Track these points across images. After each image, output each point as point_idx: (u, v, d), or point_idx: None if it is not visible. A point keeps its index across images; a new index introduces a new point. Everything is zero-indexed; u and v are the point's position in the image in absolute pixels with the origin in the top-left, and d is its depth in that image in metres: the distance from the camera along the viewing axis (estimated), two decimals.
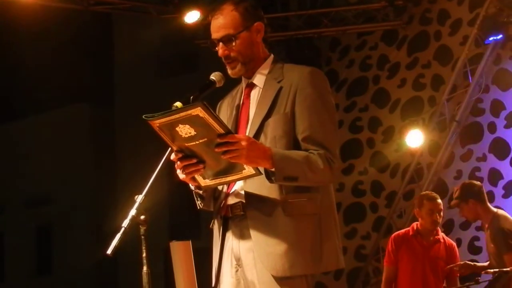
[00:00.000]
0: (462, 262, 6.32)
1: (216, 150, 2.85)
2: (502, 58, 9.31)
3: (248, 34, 3.15)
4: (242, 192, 3.06)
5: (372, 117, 10.42)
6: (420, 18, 10.18)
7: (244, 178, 2.98)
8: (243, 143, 2.86)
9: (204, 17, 9.10)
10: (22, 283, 17.74)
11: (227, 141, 2.84)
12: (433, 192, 6.72)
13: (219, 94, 3.34)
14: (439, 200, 6.45)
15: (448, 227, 8.71)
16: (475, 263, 6.40)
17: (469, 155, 9.39)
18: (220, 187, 3.14)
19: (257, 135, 3.06)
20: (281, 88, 3.11)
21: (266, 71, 3.19)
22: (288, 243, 2.98)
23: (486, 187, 6.88)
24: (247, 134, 3.08)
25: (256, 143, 2.94)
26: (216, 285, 3.17)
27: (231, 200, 3.10)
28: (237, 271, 3.10)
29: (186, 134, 2.85)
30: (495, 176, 9.08)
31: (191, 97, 2.99)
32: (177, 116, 2.81)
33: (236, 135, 2.94)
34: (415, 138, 9.56)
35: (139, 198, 2.89)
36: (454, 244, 6.60)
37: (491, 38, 9.06)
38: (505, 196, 8.93)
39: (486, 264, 6.26)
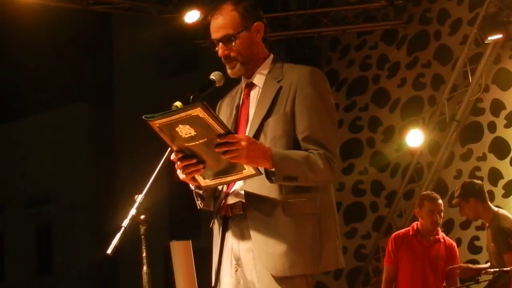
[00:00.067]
0: (464, 266, 6.31)
1: (216, 150, 2.85)
2: (502, 57, 9.31)
3: (248, 34, 3.15)
4: (242, 192, 3.06)
5: (372, 116, 10.42)
6: (420, 18, 10.17)
7: (244, 178, 2.98)
8: (243, 143, 2.86)
9: (204, 17, 9.10)
10: (22, 283, 17.75)
11: (227, 141, 2.85)
12: (434, 193, 6.72)
13: (218, 94, 3.34)
14: (440, 201, 6.45)
15: (448, 227, 8.71)
16: (476, 266, 6.39)
17: (469, 154, 9.39)
18: (220, 187, 3.14)
19: (256, 135, 3.06)
20: (280, 88, 3.11)
21: (265, 71, 3.19)
22: (288, 243, 2.98)
23: (486, 186, 6.88)
24: (246, 134, 3.08)
25: (256, 143, 2.94)
26: (216, 285, 3.17)
27: (231, 200, 3.10)
28: (236, 271, 3.09)
29: (186, 134, 2.85)
30: (495, 175, 9.08)
31: (191, 97, 2.99)
32: (177, 116, 2.81)
33: (236, 135, 2.94)
34: (415, 138, 9.56)
35: (139, 198, 2.89)
36: (454, 244, 6.61)
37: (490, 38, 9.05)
38: (505, 195, 8.93)
39: (487, 265, 6.25)
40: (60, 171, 17.48)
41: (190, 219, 13.26)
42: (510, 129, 9.11)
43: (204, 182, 3.01)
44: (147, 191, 2.91)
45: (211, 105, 2.85)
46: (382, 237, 9.73)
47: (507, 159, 9.06)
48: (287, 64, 3.23)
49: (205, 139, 2.85)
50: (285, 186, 3.00)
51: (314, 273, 3.07)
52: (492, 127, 9.24)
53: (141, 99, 14.91)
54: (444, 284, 6.42)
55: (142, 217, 2.85)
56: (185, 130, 2.83)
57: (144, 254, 2.86)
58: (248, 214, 3.04)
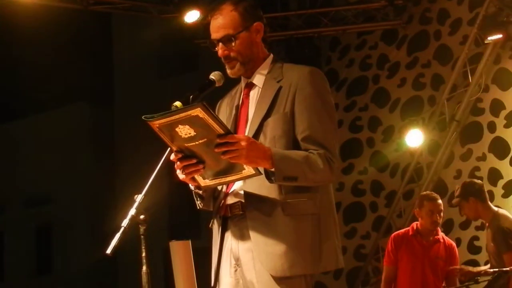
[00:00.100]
0: (465, 270, 6.29)
1: (216, 150, 2.85)
2: (502, 57, 9.31)
3: (248, 34, 3.15)
4: (241, 192, 3.06)
5: (372, 116, 10.42)
6: (420, 18, 10.17)
7: (244, 178, 2.98)
8: (243, 143, 2.86)
9: (204, 17, 9.10)
10: (22, 283, 17.74)
11: (227, 141, 2.85)
12: (433, 193, 6.72)
13: (218, 94, 3.34)
14: (440, 201, 6.45)
15: (447, 227, 8.71)
16: (477, 268, 6.37)
17: (468, 154, 9.39)
18: (219, 187, 3.14)
19: (256, 135, 3.06)
20: (280, 88, 3.11)
21: (265, 71, 3.19)
22: (287, 243, 2.98)
23: (486, 186, 6.87)
24: (246, 134, 3.08)
25: (256, 143, 2.94)
26: (215, 284, 3.17)
27: (230, 200, 3.10)
28: (236, 271, 3.09)
29: (186, 134, 2.85)
30: (494, 175, 9.08)
31: (191, 97, 3.00)
32: (176, 116, 2.81)
33: (236, 135, 2.94)
34: (415, 138, 9.56)
35: (138, 198, 2.89)
36: (454, 244, 6.61)
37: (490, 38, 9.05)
38: (504, 195, 8.92)
39: (487, 267, 6.25)
40: (60, 171, 17.49)
41: (189, 219, 13.25)
42: (510, 129, 9.11)
43: (204, 182, 3.01)
44: (146, 191, 2.91)
45: (211, 105, 2.85)
46: (382, 237, 9.74)
47: (507, 159, 9.06)
48: (286, 64, 3.23)
49: (205, 139, 2.85)
50: (285, 186, 3.00)
51: (314, 273, 3.07)
52: (492, 127, 9.24)
53: (141, 99, 14.92)
54: (443, 284, 6.42)
55: (142, 217, 2.85)
56: (184, 130, 2.83)
57: (143, 254, 2.86)
58: (248, 214, 3.04)
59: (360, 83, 10.61)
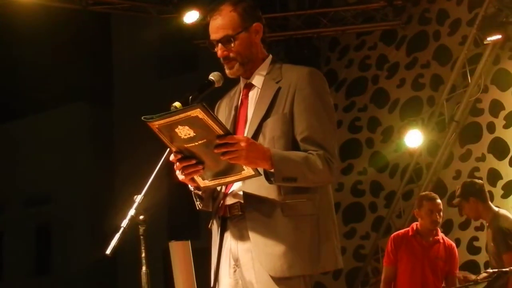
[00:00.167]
0: (469, 278, 6.26)
1: (216, 151, 2.85)
2: (501, 58, 9.31)
3: (247, 35, 3.15)
4: (240, 193, 3.06)
5: (371, 117, 10.42)
6: (419, 18, 10.18)
7: (243, 179, 2.98)
8: (243, 144, 2.86)
9: (203, 17, 9.10)
10: (22, 282, 17.75)
11: (226, 142, 2.85)
12: (432, 193, 6.73)
13: (218, 94, 3.34)
14: (439, 200, 6.45)
15: (447, 227, 8.72)
16: (480, 277, 6.33)
17: (468, 155, 9.39)
18: (218, 188, 3.14)
19: (255, 135, 3.06)
20: (279, 89, 3.11)
21: (264, 72, 3.19)
22: (286, 243, 2.98)
23: (485, 187, 6.87)
24: (245, 134, 3.07)
25: (255, 144, 2.94)
26: (215, 285, 3.16)
27: (229, 201, 3.10)
28: (235, 271, 3.09)
29: (185, 135, 2.85)
30: (494, 176, 9.08)
31: (190, 97, 2.99)
32: (176, 117, 2.81)
33: (235, 136, 2.94)
34: (414, 138, 9.57)
35: (138, 198, 2.89)
36: (454, 244, 6.61)
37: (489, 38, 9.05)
38: (504, 196, 8.93)
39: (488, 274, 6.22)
40: (59, 171, 17.49)
41: (189, 220, 13.25)
42: (509, 129, 9.11)
43: (203, 183, 3.01)
44: (146, 192, 2.90)
45: (210, 106, 2.85)
46: (381, 237, 9.74)
47: (506, 160, 9.06)
48: (285, 64, 3.23)
49: (204, 140, 2.85)
50: (284, 187, 3.00)
51: (313, 274, 3.08)
52: (491, 127, 9.25)
53: (141, 99, 14.93)
54: (443, 285, 6.42)
55: (141, 217, 2.85)
56: (184, 131, 2.83)
57: (143, 255, 2.86)
58: (247, 215, 3.04)
59: (359, 84, 10.62)
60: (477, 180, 6.52)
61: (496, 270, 5.84)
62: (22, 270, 18.15)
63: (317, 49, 10.82)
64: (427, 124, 9.72)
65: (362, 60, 10.65)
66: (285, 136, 3.05)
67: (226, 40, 3.12)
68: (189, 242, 3.14)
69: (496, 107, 9.25)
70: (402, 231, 6.70)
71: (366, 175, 10.29)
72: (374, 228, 10.11)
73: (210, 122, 2.79)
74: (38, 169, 17.69)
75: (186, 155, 2.93)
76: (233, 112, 3.21)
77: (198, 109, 2.77)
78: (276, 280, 2.98)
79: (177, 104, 2.95)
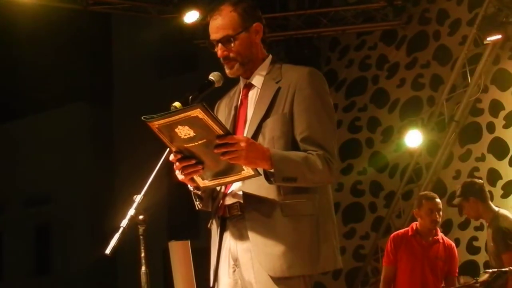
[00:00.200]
0: (470, 282, 6.24)
1: (215, 151, 2.85)
2: (501, 58, 9.31)
3: (247, 35, 3.15)
4: (240, 193, 3.06)
5: (371, 117, 10.42)
6: (419, 18, 10.17)
7: (243, 179, 2.98)
8: (242, 144, 2.86)
9: (203, 17, 9.10)
10: (21, 282, 17.74)
11: (226, 142, 2.85)
12: (431, 192, 6.74)
13: (217, 94, 3.35)
14: (438, 200, 6.46)
15: (446, 227, 8.72)
16: (480, 282, 6.32)
17: (468, 155, 9.39)
18: (218, 188, 3.14)
19: (255, 135, 3.06)
20: (279, 89, 3.11)
21: (264, 72, 3.19)
22: (286, 243, 2.98)
23: (485, 187, 6.87)
24: (245, 134, 3.08)
25: (255, 144, 2.94)
26: (214, 285, 3.16)
27: (229, 201, 3.10)
28: (234, 271, 3.10)
29: (185, 135, 2.85)
30: (494, 176, 9.08)
31: (190, 97, 2.99)
32: (176, 117, 2.81)
33: (235, 136, 2.94)
34: (414, 138, 9.57)
35: (138, 198, 2.89)
36: (453, 244, 6.61)
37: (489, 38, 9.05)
38: (503, 196, 8.92)
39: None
40: (59, 171, 17.49)
41: (188, 220, 13.24)
42: (509, 129, 9.10)
43: (203, 183, 3.01)
44: (146, 192, 2.91)
45: (210, 106, 2.85)
46: (381, 237, 9.73)
47: (506, 160, 9.06)
48: (285, 64, 3.23)
49: (204, 140, 2.85)
50: (284, 187, 3.00)
51: (312, 274, 3.08)
52: (491, 127, 9.24)
53: (141, 99, 14.92)
54: (442, 285, 6.42)
55: (141, 217, 2.85)
56: (184, 131, 2.83)
57: (142, 255, 2.86)
58: (246, 215, 3.04)
59: (359, 84, 10.61)
60: (477, 180, 6.52)
61: (496, 270, 5.83)
62: (22, 270, 18.15)
63: (317, 49, 10.82)
64: (427, 124, 9.72)
65: (362, 60, 10.64)
66: (285, 136, 3.05)
67: (226, 40, 3.12)
68: (189, 242, 3.14)
69: (496, 107, 9.25)
70: (401, 231, 6.70)
71: (366, 175, 10.29)
72: (374, 228, 10.11)
73: (210, 122, 2.79)
74: (38, 169, 17.68)
75: (186, 155, 2.93)
76: (232, 112, 3.21)
77: (198, 109, 2.77)
78: (276, 280, 2.98)
79: (177, 104, 2.95)
